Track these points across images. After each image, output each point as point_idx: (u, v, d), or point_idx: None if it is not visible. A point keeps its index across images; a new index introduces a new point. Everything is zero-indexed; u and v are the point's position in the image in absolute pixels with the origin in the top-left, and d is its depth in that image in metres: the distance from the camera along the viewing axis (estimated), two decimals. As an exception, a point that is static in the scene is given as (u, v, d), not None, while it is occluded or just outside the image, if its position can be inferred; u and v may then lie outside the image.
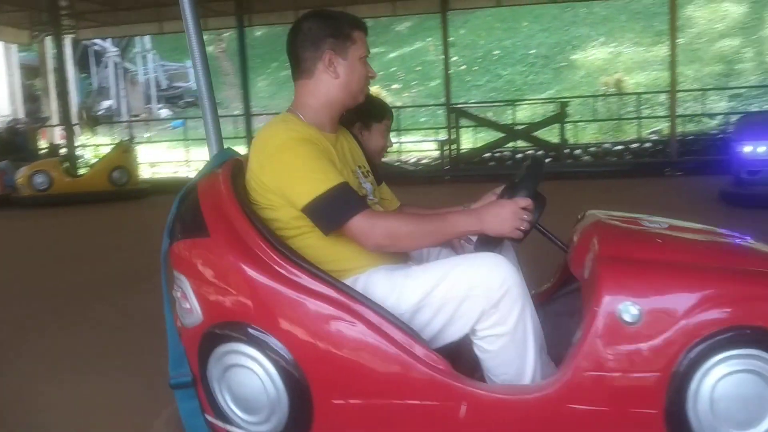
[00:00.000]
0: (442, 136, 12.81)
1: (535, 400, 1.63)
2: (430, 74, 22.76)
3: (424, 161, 15.23)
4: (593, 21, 23.08)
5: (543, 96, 19.63)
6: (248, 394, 1.75)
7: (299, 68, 1.90)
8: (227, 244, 1.76)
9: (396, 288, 1.76)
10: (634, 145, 14.07)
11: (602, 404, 1.61)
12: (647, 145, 14.27)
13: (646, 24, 21.90)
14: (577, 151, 14.03)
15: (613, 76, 18.97)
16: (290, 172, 1.75)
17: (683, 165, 10.19)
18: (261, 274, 1.72)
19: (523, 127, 13.06)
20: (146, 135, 17.11)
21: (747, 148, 6.49)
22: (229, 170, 1.91)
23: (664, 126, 15.09)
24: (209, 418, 1.85)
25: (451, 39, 22.76)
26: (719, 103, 16.79)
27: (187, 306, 1.81)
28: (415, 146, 15.69)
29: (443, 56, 11.72)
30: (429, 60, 23.69)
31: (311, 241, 1.80)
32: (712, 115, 15.84)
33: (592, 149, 14.43)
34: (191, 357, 1.84)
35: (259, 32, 26.91)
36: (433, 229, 1.77)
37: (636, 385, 1.59)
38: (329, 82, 1.88)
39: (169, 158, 15.17)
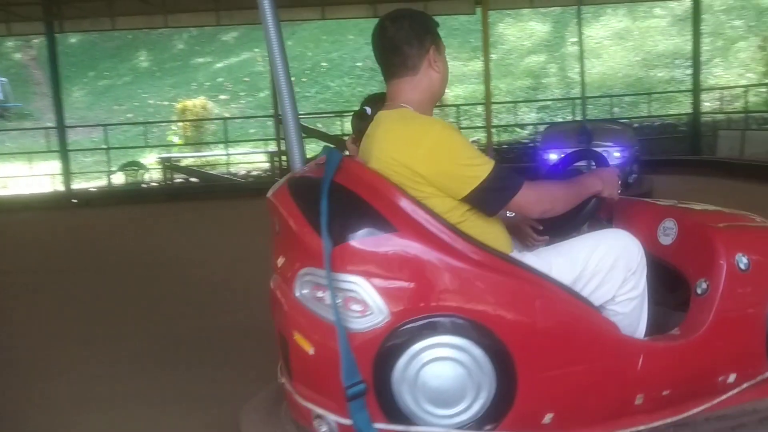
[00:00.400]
0: (272, 147, 12.75)
1: (690, 342, 1.98)
2: (259, 85, 22.56)
3: (254, 173, 15.08)
4: (415, 36, 24.04)
5: (370, 107, 20.15)
6: (449, 386, 1.72)
7: (404, 65, 1.92)
8: (419, 236, 1.72)
9: (552, 265, 1.90)
10: (456, 154, 14.82)
11: (733, 337, 2.05)
12: (467, 153, 15.09)
13: (462, 40, 23.18)
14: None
15: (434, 89, 19.87)
16: (455, 162, 1.77)
17: (499, 172, 10.90)
18: (459, 261, 1.73)
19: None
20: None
21: (552, 156, 7.08)
22: (362, 165, 1.87)
23: (481, 136, 16.05)
24: (381, 426, 1.73)
25: (278, 50, 22.83)
26: (529, 114, 18.15)
27: (360, 308, 1.71)
28: (245, 158, 15.49)
29: (270, 67, 11.68)
30: (257, 71, 23.47)
31: (470, 227, 1.82)
32: (523, 126, 17.08)
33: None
34: (364, 363, 1.70)
35: (73, 39, 25.26)
36: (575, 192, 1.97)
37: (750, 317, 2.07)
38: (433, 77, 1.96)
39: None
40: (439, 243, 1.74)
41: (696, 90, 10.12)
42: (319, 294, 1.76)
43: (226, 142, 13.21)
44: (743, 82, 18.40)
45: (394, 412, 1.74)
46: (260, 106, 21.20)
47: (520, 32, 23.37)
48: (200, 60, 25.98)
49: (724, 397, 2.04)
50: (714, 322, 2.00)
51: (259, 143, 16.22)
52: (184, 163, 14.39)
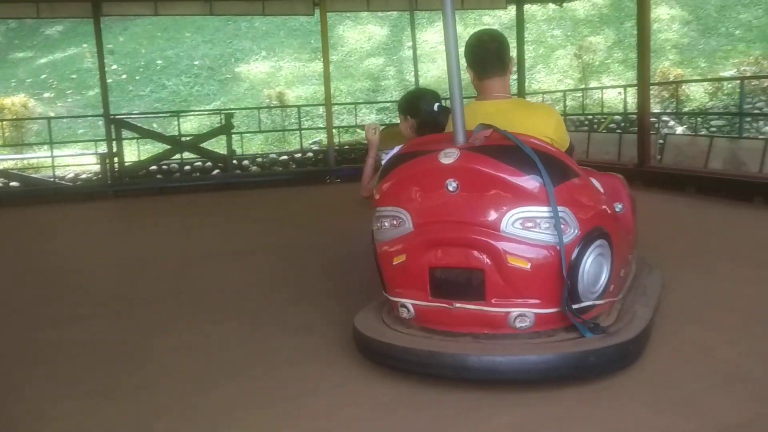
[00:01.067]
0: (103, 148, 12.06)
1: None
2: (88, 82, 21.24)
3: (83, 176, 14.20)
4: (255, 35, 23.75)
5: (209, 107, 19.63)
6: (597, 270, 2.65)
7: (503, 68, 2.88)
8: (583, 178, 2.73)
9: None
10: (298, 155, 14.83)
11: None
12: (309, 154, 15.15)
13: (303, 41, 23.23)
14: (245, 162, 14.32)
15: (275, 89, 19.72)
16: (564, 130, 2.88)
17: (341, 172, 11.04)
18: (592, 190, 2.83)
19: (189, 138, 12.90)
20: None
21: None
22: (532, 136, 2.63)
23: (322, 137, 16.18)
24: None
25: (109, 46, 21.63)
26: (369, 116, 18.54)
27: (564, 228, 2.51)
28: (73, 160, 14.54)
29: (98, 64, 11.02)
30: (86, 67, 22.08)
31: None
32: (363, 126, 17.39)
33: (259, 160, 14.86)
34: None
35: None
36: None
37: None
38: (510, 77, 2.99)
39: None
40: (585, 179, 2.76)
41: (521, 94, 10.82)
42: (528, 225, 2.52)
43: (51, 143, 12.28)
44: (562, 87, 19.96)
45: (574, 295, 2.57)
46: (89, 105, 19.98)
47: (360, 35, 23.79)
48: (20, 55, 24.00)
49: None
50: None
51: (88, 144, 15.25)
52: (2, 166, 13.24)
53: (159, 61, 22.45)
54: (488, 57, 2.82)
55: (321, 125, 16.80)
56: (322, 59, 11.07)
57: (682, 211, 6.34)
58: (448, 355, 2.47)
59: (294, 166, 14.30)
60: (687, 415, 2.27)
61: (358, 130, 17.28)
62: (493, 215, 2.52)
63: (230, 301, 4.07)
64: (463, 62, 2.76)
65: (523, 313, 2.53)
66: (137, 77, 21.60)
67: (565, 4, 12.81)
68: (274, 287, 4.33)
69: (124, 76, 21.51)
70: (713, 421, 2.22)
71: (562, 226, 2.49)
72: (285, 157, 14.90)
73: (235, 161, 12.68)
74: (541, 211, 2.50)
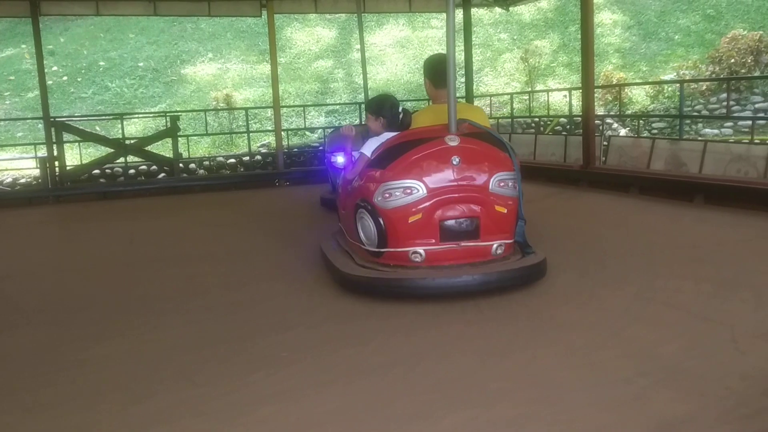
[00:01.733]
0: (43, 152, 11.69)
1: None
2: (27, 84, 20.58)
3: (22, 181, 13.76)
4: (201, 37, 23.38)
5: (154, 110, 19.24)
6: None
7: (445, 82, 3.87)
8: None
9: None
10: (246, 158, 14.66)
11: None
12: (258, 157, 14.99)
13: (250, 43, 22.97)
14: (192, 165, 14.08)
15: (222, 91, 19.46)
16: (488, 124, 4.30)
17: (290, 175, 10.94)
18: None
19: (133, 141, 12.61)
20: None
21: (336, 158, 7.23)
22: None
23: (271, 139, 16.02)
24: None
25: (50, 47, 21.00)
26: (318, 118, 18.45)
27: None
28: (11, 164, 14.06)
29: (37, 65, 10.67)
30: (25, 69, 21.37)
31: None
32: (312, 129, 17.32)
33: (207, 163, 14.64)
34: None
35: None
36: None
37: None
38: None
39: None
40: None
41: (469, 97, 10.90)
42: (501, 184, 3.83)
43: (-12, 147, 11.89)
44: (509, 90, 20.22)
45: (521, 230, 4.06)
46: (29, 107, 19.36)
47: (308, 37, 23.66)
48: (-46, 56, 23.14)
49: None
50: None
51: (28, 148, 14.77)
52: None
53: (102, 63, 21.90)
54: (443, 73, 3.90)
55: (269, 128, 16.65)
56: (269, 61, 10.96)
57: (626, 211, 6.47)
58: (463, 278, 3.60)
59: (242, 170, 14.13)
60: (632, 411, 2.30)
61: (307, 133, 17.18)
62: (483, 179, 3.79)
63: (172, 307, 3.97)
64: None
65: (500, 244, 3.86)
66: (79, 79, 21.04)
67: (511, 8, 12.97)
68: (221, 292, 4.25)
69: (65, 78, 20.91)
70: (658, 416, 2.25)
71: (519, 185, 3.91)
72: (233, 160, 14.73)
73: (181, 164, 12.45)
74: (511, 175, 3.89)
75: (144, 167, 13.76)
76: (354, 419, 2.36)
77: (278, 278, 4.56)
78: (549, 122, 17.84)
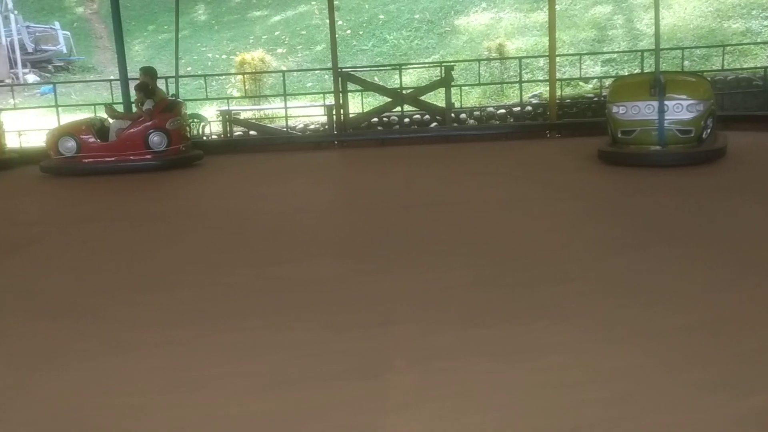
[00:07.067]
0: (329, 101, 12.66)
1: None
2: (315, 38, 22.39)
3: (311, 127, 15.06)
4: (476, -14, 23.42)
5: (428, 60, 19.79)
6: None
7: None
8: None
9: None
10: (517, 109, 14.50)
11: None
12: (528, 108, 14.75)
13: (524, -10, 22.46)
14: (462, 115, 14.30)
15: (495, 41, 19.36)
16: None
17: (562, 127, 10.59)
18: None
19: (409, 91, 13.12)
20: (12, 102, 15.86)
21: (621, 110, 6.79)
22: None
23: (543, 90, 15.62)
24: None
25: (336, 3, 22.57)
26: (594, 68, 17.56)
27: None
28: (302, 111, 15.47)
29: (328, 20, 11.52)
30: (314, 24, 23.27)
31: None
32: (587, 79, 16.54)
33: (477, 113, 14.76)
34: None
35: (133, -8, 25.58)
36: None
37: None
38: None
39: (39, 126, 14.17)
40: None
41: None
42: None
43: (285, 95, 13.18)
44: None
45: None
46: (317, 59, 21.07)
47: (586, -18, 22.48)
48: (257, 13, 25.92)
49: None
50: None
51: (316, 97, 16.14)
52: (243, 116, 14.44)
53: (381, 16, 23.01)
54: None
55: (541, 78, 16.24)
56: (544, 9, 10.58)
57: None
58: None
59: (512, 120, 14.02)
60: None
61: (581, 83, 16.46)
62: None
63: (447, 250, 4.07)
64: None
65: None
66: (360, 32, 22.35)
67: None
68: (495, 239, 4.25)
69: (348, 32, 22.35)
70: None
71: None
72: (503, 110, 14.66)
73: (452, 114, 12.69)
74: None
75: (417, 116, 14.27)
76: (643, 381, 2.20)
77: (555, 229, 4.44)
78: None
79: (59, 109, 12.28)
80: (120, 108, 9.75)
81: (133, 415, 2.13)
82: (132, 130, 8.27)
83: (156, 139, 8.27)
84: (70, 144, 8.22)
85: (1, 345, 2.82)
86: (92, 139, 8.26)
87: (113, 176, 8.01)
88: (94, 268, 4.10)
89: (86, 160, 8.24)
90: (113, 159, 8.25)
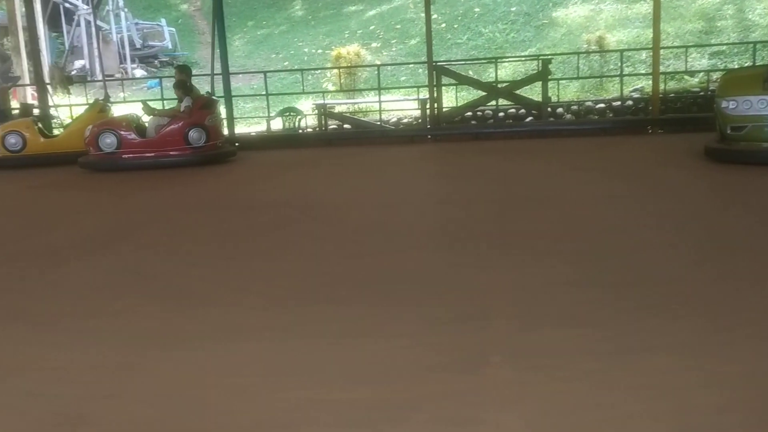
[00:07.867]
0: (423, 95, 12.67)
1: None
2: (410, 32, 22.41)
3: (405, 120, 15.10)
4: (573, -22, 22.81)
5: (525, 53, 19.46)
6: None
7: None
8: None
9: None
10: (616, 103, 14.05)
11: None
12: (629, 102, 14.26)
13: (627, -19, 21.68)
14: (559, 109, 13.98)
15: (594, 33, 18.80)
16: None
17: (665, 122, 10.18)
18: None
19: (505, 85, 12.93)
20: (121, 95, 16.71)
21: (731, 105, 6.46)
22: None
23: (645, 83, 15.05)
24: None
25: (431, -4, 22.53)
26: (700, 61, 16.77)
27: None
28: (395, 105, 15.53)
29: (423, 13, 11.51)
30: (408, 18, 23.30)
31: None
32: (692, 73, 15.82)
33: (574, 107, 14.39)
34: None
35: (234, -10, 26.36)
36: None
37: None
38: None
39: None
40: None
41: None
42: None
43: (379, 89, 13.30)
44: None
45: None
46: (411, 53, 21.09)
47: (693, -29, 21.48)
48: (353, 8, 26.19)
49: None
50: None
51: (410, 90, 16.18)
52: (337, 109, 14.66)
53: (477, 9, 22.78)
54: None
55: (643, 71, 15.64)
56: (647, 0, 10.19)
57: None
58: None
59: (611, 115, 13.60)
60: None
61: (686, 77, 15.76)
62: None
63: (543, 246, 3.99)
64: None
65: None
66: (455, 25, 22.20)
67: None
68: (594, 235, 4.15)
69: (443, 25, 22.24)
70: None
71: None
72: (602, 105, 14.24)
73: (549, 108, 12.43)
74: None
75: (512, 110, 14.06)
76: (762, 388, 2.09)
77: (659, 228, 4.29)
78: None
79: (164, 102, 12.82)
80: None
81: (241, 395, 2.20)
82: (172, 127, 8.58)
83: (195, 135, 8.55)
84: (111, 140, 8.56)
85: (118, 324, 2.98)
86: (132, 136, 8.58)
87: (155, 171, 8.22)
88: (199, 253, 4.27)
89: (126, 156, 8.53)
90: (152, 155, 8.55)
